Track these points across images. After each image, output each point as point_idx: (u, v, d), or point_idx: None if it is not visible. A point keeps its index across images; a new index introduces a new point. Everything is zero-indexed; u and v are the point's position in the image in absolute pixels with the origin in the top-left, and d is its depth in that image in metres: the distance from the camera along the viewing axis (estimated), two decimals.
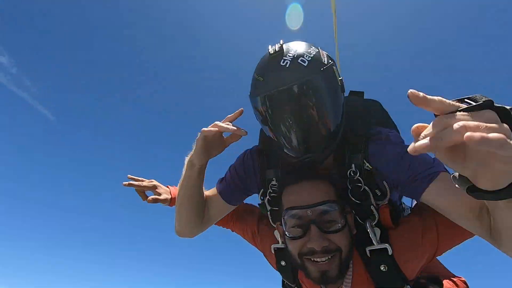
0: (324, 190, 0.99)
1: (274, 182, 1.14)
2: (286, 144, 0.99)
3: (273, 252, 1.21)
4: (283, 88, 0.90)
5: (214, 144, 1.08)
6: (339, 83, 0.99)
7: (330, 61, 0.97)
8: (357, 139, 1.05)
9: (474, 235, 0.98)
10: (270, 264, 1.30)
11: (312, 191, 0.98)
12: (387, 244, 1.01)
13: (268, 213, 1.19)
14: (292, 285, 1.20)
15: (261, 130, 1.23)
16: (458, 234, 1.02)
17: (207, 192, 1.28)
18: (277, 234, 1.19)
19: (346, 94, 1.11)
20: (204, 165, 1.12)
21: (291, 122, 0.94)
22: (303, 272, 1.00)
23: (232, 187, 1.24)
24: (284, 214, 1.00)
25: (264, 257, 1.32)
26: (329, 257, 0.93)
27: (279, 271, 1.24)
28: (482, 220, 0.82)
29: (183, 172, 1.16)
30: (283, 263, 1.17)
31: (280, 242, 1.18)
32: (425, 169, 0.92)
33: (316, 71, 0.91)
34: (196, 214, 1.23)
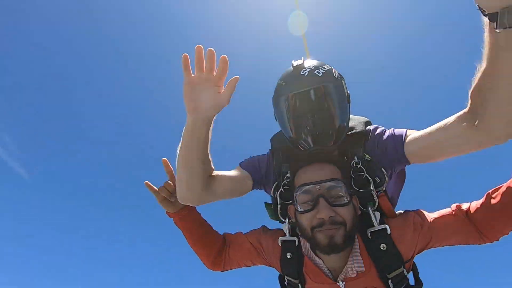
0: (331, 170, 1.16)
1: (288, 175, 1.29)
2: (301, 136, 1.21)
3: (279, 244, 1.27)
4: (302, 90, 1.17)
5: (215, 96, 1.09)
6: (347, 94, 1.25)
7: (340, 76, 1.25)
8: (357, 136, 1.27)
9: (464, 242, 1.16)
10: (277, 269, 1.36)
11: (321, 171, 1.15)
12: (386, 225, 1.14)
13: (279, 206, 1.30)
14: (296, 281, 1.24)
15: (272, 138, 1.46)
16: (448, 235, 1.15)
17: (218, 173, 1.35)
18: (284, 227, 1.29)
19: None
20: (210, 122, 1.14)
21: (307, 117, 1.18)
22: (313, 245, 1.12)
23: (254, 166, 1.39)
24: (296, 191, 1.15)
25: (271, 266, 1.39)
26: (336, 228, 1.06)
27: (283, 268, 1.28)
28: (462, 120, 0.99)
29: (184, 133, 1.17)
30: (289, 255, 1.24)
31: (287, 235, 1.26)
32: (397, 133, 1.22)
33: (328, 80, 1.18)
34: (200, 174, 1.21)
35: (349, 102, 1.26)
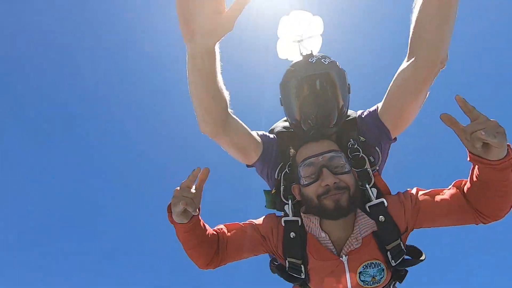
0: (330, 144, 1.24)
1: (292, 159, 1.34)
2: (304, 116, 1.33)
3: (283, 224, 1.29)
4: (309, 74, 1.30)
5: (214, 18, 0.81)
6: (348, 85, 1.40)
7: (343, 69, 1.38)
8: (351, 121, 1.40)
9: (451, 223, 1.23)
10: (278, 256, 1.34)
11: (321, 145, 1.23)
12: (383, 198, 1.22)
13: (282, 188, 1.34)
14: (299, 261, 1.25)
15: (270, 130, 1.54)
16: (436, 216, 1.22)
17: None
18: (287, 208, 1.31)
19: None
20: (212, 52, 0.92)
21: (311, 99, 1.30)
22: (320, 212, 1.17)
23: (269, 142, 1.41)
24: (300, 166, 1.20)
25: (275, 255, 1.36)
26: (341, 192, 1.12)
27: (286, 249, 1.27)
28: (408, 61, 1.13)
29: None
30: (292, 235, 1.25)
31: (290, 215, 1.29)
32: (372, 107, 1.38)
33: (333, 69, 1.33)
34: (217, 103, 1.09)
35: (349, 92, 1.40)
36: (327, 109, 1.31)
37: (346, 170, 1.17)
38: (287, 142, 1.41)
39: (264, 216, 1.41)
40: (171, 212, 1.17)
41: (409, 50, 1.13)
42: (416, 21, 1.05)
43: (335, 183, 1.12)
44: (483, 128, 0.91)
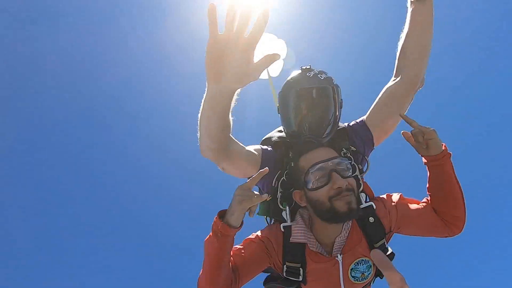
0: (333, 151, 1.33)
1: (292, 164, 1.40)
2: (300, 125, 1.43)
3: (282, 230, 1.34)
4: (306, 87, 1.42)
5: (242, 68, 0.89)
6: (340, 99, 1.50)
7: (338, 85, 1.49)
8: (342, 132, 1.54)
9: (429, 235, 1.43)
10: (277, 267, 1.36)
11: (327, 152, 1.31)
12: (371, 202, 1.37)
13: (279, 195, 1.39)
14: (297, 265, 1.31)
15: (265, 139, 1.60)
16: (413, 223, 1.40)
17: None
18: (285, 214, 1.37)
19: None
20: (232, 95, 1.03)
21: (310, 108, 1.42)
22: (331, 215, 1.20)
23: (269, 157, 1.45)
24: (309, 170, 1.25)
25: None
26: (350, 194, 1.21)
27: (286, 253, 1.31)
28: (393, 80, 1.45)
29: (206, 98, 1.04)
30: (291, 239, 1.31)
31: (289, 221, 1.35)
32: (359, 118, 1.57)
33: (328, 84, 1.46)
34: (221, 130, 1.17)
35: (341, 106, 1.54)
36: (322, 120, 1.43)
37: (351, 174, 1.26)
38: (285, 151, 1.48)
39: (260, 230, 1.43)
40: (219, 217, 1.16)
41: (396, 71, 1.45)
42: (402, 48, 1.41)
43: (346, 185, 1.20)
44: (422, 131, 1.27)
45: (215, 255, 1.17)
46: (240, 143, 1.38)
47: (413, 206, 1.41)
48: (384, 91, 1.48)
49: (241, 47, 0.86)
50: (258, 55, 0.87)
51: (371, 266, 1.34)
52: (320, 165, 1.24)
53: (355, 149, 1.48)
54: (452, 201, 1.34)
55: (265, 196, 1.19)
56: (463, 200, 1.35)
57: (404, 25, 1.39)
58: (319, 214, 1.26)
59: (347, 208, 1.18)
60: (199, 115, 1.12)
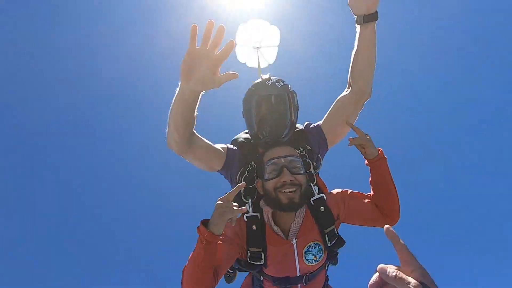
0: (291, 150, 1.53)
1: (253, 162, 1.62)
2: (261, 127, 1.64)
3: (245, 220, 1.50)
4: (266, 94, 1.63)
5: (208, 76, 1.22)
6: (296, 104, 1.74)
7: (294, 92, 1.72)
8: (300, 132, 1.75)
9: (371, 225, 1.58)
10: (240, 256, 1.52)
11: (284, 149, 1.51)
12: (323, 194, 1.56)
13: (242, 189, 1.54)
14: (259, 249, 1.49)
15: (232, 142, 1.81)
16: (356, 216, 1.60)
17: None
18: (248, 206, 1.56)
19: None
20: (197, 96, 1.32)
21: (269, 114, 1.63)
22: (276, 205, 1.42)
23: (233, 153, 1.70)
24: (266, 164, 1.47)
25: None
26: (294, 189, 1.41)
27: (249, 240, 1.48)
28: (345, 92, 1.64)
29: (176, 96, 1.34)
30: (254, 227, 1.49)
31: (251, 211, 1.53)
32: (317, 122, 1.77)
33: (285, 91, 1.66)
34: (186, 129, 1.44)
35: (297, 110, 1.74)
36: (280, 122, 1.64)
37: (301, 171, 1.46)
38: (248, 150, 1.69)
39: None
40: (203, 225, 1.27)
41: (348, 84, 1.62)
42: (351, 63, 1.57)
43: (291, 180, 1.41)
44: (362, 139, 1.47)
45: (202, 260, 1.28)
46: (204, 139, 1.59)
47: (358, 200, 1.60)
48: (337, 101, 1.68)
49: (210, 60, 1.20)
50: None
51: (322, 249, 1.54)
52: (274, 160, 1.46)
53: (310, 149, 1.69)
54: (387, 197, 1.53)
55: (245, 209, 1.34)
56: (397, 197, 1.54)
57: (354, 44, 1.55)
58: (268, 203, 1.48)
59: (288, 200, 1.39)
60: (169, 110, 1.38)
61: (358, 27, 1.50)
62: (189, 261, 1.32)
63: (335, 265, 1.79)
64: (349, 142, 1.52)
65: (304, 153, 1.65)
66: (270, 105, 1.65)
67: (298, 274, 1.55)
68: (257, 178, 1.58)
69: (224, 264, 1.44)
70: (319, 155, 1.71)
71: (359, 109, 1.65)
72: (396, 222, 1.56)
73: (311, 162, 1.65)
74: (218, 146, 1.69)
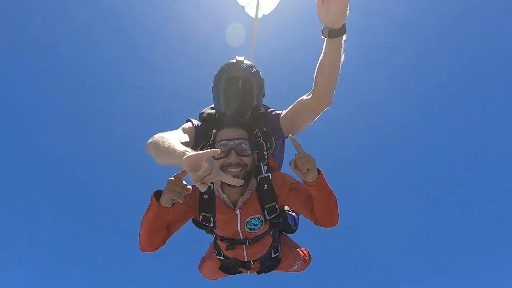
0: (242, 132, 1.65)
1: (212, 137, 1.74)
2: (228, 106, 1.75)
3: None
4: (237, 75, 1.75)
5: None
6: (264, 91, 1.87)
7: (263, 79, 1.84)
8: (260, 115, 1.87)
9: (303, 213, 1.75)
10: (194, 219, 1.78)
11: (235, 132, 1.64)
12: (269, 174, 1.73)
13: None
14: (209, 215, 1.70)
15: (200, 114, 1.97)
16: (293, 207, 1.82)
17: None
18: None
19: None
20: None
21: (236, 94, 1.74)
22: (222, 182, 1.56)
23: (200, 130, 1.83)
24: (216, 144, 1.62)
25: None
26: (240, 169, 1.57)
27: (201, 206, 1.70)
28: (308, 96, 1.63)
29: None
30: (205, 196, 1.69)
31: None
32: (278, 111, 1.88)
33: (255, 76, 1.78)
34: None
35: (263, 96, 1.87)
36: (244, 104, 1.75)
37: (247, 153, 1.60)
38: (210, 125, 1.82)
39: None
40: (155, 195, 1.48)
41: (312, 89, 1.60)
42: (317, 70, 1.53)
43: (236, 162, 1.56)
44: (303, 161, 1.43)
45: (151, 224, 1.54)
46: (175, 134, 1.63)
47: (297, 196, 1.71)
48: (299, 101, 1.71)
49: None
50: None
51: (262, 221, 1.75)
52: (224, 141, 1.60)
53: (266, 131, 1.82)
54: (323, 212, 1.63)
55: (190, 188, 1.38)
56: (334, 211, 1.63)
57: (321, 52, 1.48)
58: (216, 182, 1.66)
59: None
60: (158, 154, 1.35)
61: (323, 39, 1.41)
62: (143, 220, 1.58)
63: (292, 233, 2.14)
64: (291, 164, 1.50)
65: (259, 134, 1.78)
66: (238, 87, 1.75)
67: (241, 237, 1.79)
68: None
69: (178, 223, 1.72)
70: (273, 138, 1.83)
71: (317, 115, 1.70)
72: (330, 227, 1.68)
73: (264, 144, 1.78)
74: (186, 126, 1.81)
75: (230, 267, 2.07)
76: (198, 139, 1.81)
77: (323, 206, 1.60)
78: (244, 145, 1.60)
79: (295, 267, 2.27)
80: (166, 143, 1.29)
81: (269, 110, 1.93)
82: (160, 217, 1.51)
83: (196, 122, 1.87)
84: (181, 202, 1.40)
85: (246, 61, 1.79)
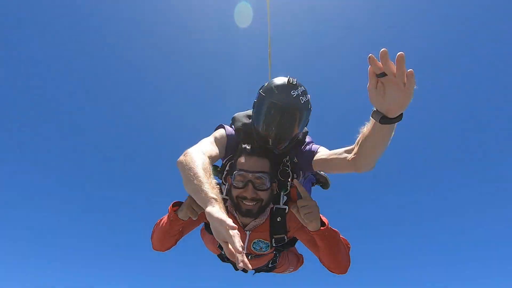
0: (264, 164, 1.60)
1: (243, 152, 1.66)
2: (267, 131, 1.63)
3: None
4: (285, 105, 1.57)
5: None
6: (307, 121, 1.74)
7: (311, 109, 1.69)
8: (296, 143, 1.74)
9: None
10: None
11: (257, 163, 1.59)
12: (287, 206, 1.68)
13: (225, 173, 1.76)
14: None
15: (234, 118, 1.87)
16: (303, 238, 1.75)
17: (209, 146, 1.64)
18: (224, 188, 1.75)
19: None
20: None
21: (278, 124, 1.60)
22: (236, 208, 1.60)
23: (233, 142, 1.78)
24: (235, 171, 1.59)
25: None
26: (254, 203, 1.55)
27: None
28: (347, 155, 1.53)
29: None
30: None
31: (224, 194, 1.71)
32: (313, 148, 1.77)
33: (304, 108, 1.61)
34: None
35: (305, 125, 1.73)
36: (284, 135, 1.63)
37: (265, 188, 1.56)
38: (242, 137, 1.75)
39: None
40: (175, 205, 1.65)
41: (355, 149, 1.45)
42: (361, 143, 1.37)
43: (252, 197, 1.53)
44: (307, 211, 1.45)
45: (166, 231, 1.69)
46: (208, 149, 1.57)
47: (306, 236, 1.71)
48: (338, 156, 1.59)
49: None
50: None
51: (268, 246, 1.76)
52: (243, 172, 1.56)
53: (296, 162, 1.74)
54: (327, 262, 1.63)
55: (193, 216, 1.60)
56: (340, 264, 1.62)
57: (368, 123, 1.32)
58: (231, 202, 1.66)
59: (246, 211, 1.57)
60: (185, 181, 1.35)
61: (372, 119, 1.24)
62: (157, 225, 1.74)
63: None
64: (295, 211, 1.51)
65: (288, 163, 1.71)
66: (283, 117, 1.60)
67: (245, 252, 1.80)
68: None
69: (189, 227, 1.83)
70: (301, 171, 1.77)
71: (352, 172, 1.61)
72: (338, 274, 1.67)
73: (291, 173, 1.72)
74: (219, 135, 1.74)
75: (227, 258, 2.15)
76: (228, 150, 1.76)
77: (327, 255, 1.59)
78: (263, 179, 1.56)
79: (286, 272, 2.33)
80: (195, 175, 1.28)
81: (307, 141, 1.81)
82: (176, 226, 1.67)
83: (229, 130, 1.80)
84: (195, 219, 1.57)
85: (298, 87, 1.60)
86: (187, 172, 1.31)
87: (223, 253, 2.07)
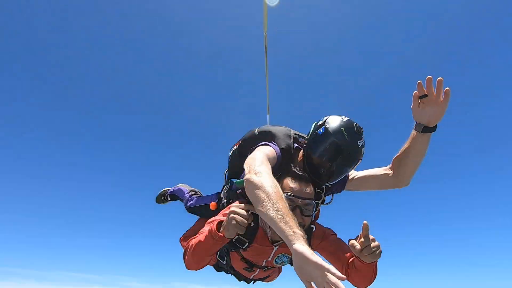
0: (312, 191, 1.66)
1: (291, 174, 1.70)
2: (320, 165, 1.74)
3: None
4: (352, 154, 1.73)
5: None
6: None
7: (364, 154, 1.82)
8: None
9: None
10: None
11: (307, 188, 1.64)
12: (314, 226, 1.78)
13: None
14: (247, 240, 1.70)
15: (277, 138, 1.86)
16: (326, 250, 1.81)
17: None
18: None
19: None
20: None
21: (338, 167, 1.75)
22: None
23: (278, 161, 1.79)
24: (286, 194, 1.56)
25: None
26: None
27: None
28: (386, 172, 1.84)
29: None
30: (252, 224, 1.65)
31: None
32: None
33: (361, 157, 1.78)
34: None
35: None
36: (336, 176, 1.79)
37: (310, 214, 1.64)
38: (286, 160, 1.80)
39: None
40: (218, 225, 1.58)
41: (393, 166, 1.83)
42: (401, 159, 1.76)
43: (299, 222, 1.51)
44: (373, 251, 1.44)
45: (207, 251, 1.62)
46: (268, 168, 1.56)
47: (328, 247, 1.80)
48: (374, 174, 1.92)
49: None
50: None
51: (290, 259, 1.83)
52: (293, 197, 1.58)
53: (330, 187, 1.87)
54: (359, 282, 1.68)
55: (241, 231, 1.52)
56: (369, 284, 1.69)
57: (407, 140, 1.74)
58: None
59: None
60: (261, 205, 1.35)
61: (414, 131, 1.68)
62: (195, 246, 1.60)
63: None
64: (354, 245, 1.47)
65: (322, 187, 1.82)
66: (343, 162, 1.74)
67: (263, 265, 1.88)
68: None
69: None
70: (332, 195, 1.93)
71: (390, 189, 1.89)
72: None
73: (323, 197, 1.84)
74: (271, 156, 1.70)
75: (223, 268, 2.17)
76: (275, 170, 1.72)
77: (363, 277, 1.64)
78: (310, 207, 1.62)
79: (271, 281, 2.39)
80: (272, 202, 1.30)
81: None
82: (220, 246, 1.59)
83: (277, 150, 1.78)
84: (241, 233, 1.54)
85: (363, 136, 1.75)
86: (262, 196, 1.34)
87: (220, 265, 2.11)
